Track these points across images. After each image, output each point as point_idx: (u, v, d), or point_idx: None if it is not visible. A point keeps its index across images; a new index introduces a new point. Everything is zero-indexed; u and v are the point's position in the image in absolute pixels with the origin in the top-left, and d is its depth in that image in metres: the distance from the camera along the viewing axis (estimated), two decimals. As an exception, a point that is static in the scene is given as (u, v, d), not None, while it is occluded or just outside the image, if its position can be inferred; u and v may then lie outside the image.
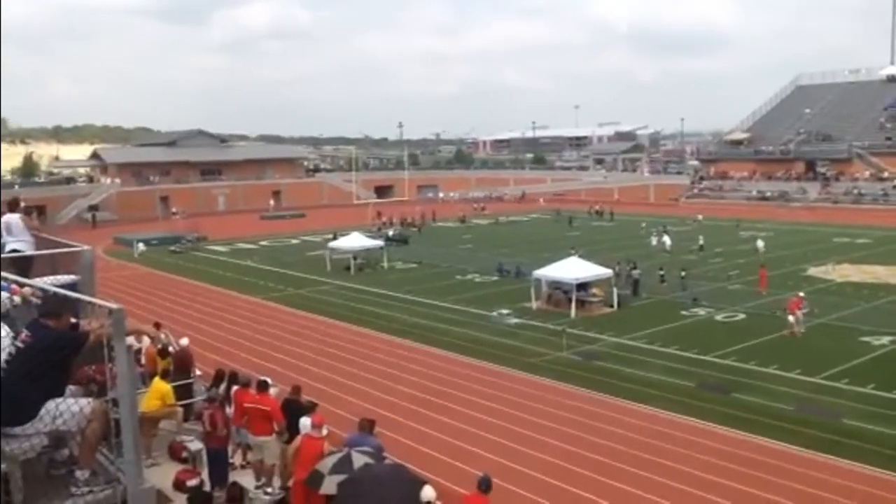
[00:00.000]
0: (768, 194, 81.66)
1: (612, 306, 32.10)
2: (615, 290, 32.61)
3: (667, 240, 48.24)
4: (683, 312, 31.21)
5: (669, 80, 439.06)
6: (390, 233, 54.98)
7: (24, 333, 4.95)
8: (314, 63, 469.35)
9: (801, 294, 28.92)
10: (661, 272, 37.16)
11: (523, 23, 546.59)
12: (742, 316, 30.46)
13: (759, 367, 23.48)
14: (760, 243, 45.34)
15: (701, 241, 47.80)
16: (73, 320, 5.06)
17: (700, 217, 62.42)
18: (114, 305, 4.09)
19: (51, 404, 4.60)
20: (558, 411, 20.15)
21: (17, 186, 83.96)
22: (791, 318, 27.06)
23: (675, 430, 18.74)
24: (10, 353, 4.87)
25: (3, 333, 5.31)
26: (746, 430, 18.49)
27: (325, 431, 11.19)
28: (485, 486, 10.36)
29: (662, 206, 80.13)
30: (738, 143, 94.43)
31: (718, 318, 30.35)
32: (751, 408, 20.03)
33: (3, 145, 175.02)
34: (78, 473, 4.48)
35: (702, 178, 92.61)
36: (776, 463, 16.59)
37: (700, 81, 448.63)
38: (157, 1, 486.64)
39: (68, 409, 4.58)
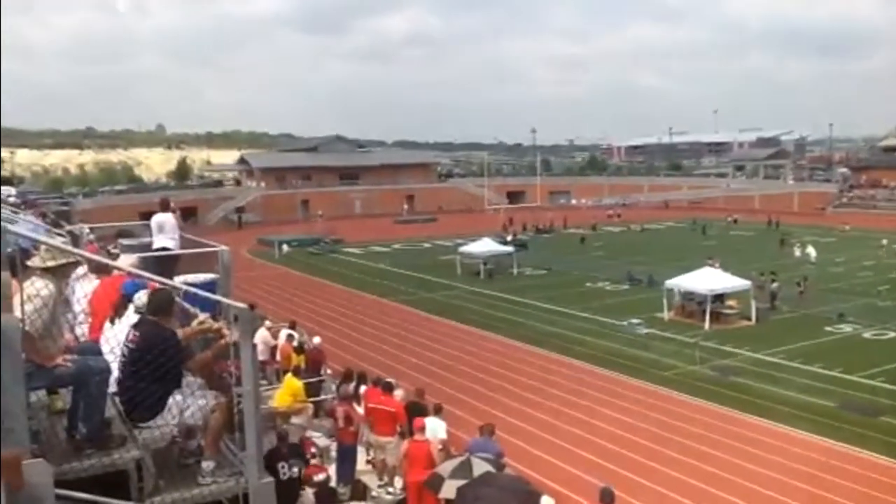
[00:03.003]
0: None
1: (749, 319, 30.77)
2: (753, 303, 31.21)
3: (811, 251, 45.73)
4: (827, 328, 29.47)
5: (816, 83, 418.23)
6: (508, 237, 54.69)
7: (132, 333, 5.11)
8: (449, 69, 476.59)
9: None
10: (806, 283, 35.25)
11: (658, 25, 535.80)
12: (892, 334, 28.43)
13: (912, 389, 21.87)
14: None
15: None
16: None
17: (846, 227, 58.75)
18: (241, 305, 4.28)
19: (178, 397, 4.85)
20: (692, 427, 19.45)
21: (195, 187, 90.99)
22: None
23: (815, 452, 17.72)
24: (123, 355, 5.10)
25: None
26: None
27: (428, 434, 11.33)
28: (607, 498, 10.14)
29: (807, 216, 75.79)
30: (893, 149, 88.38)
31: (866, 335, 28.52)
32: (902, 433, 18.68)
33: (159, 150, 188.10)
34: (204, 464, 4.70)
35: (851, 187, 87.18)
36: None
37: (851, 84, 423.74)
38: (302, 11, 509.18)
39: (195, 402, 4.83)
